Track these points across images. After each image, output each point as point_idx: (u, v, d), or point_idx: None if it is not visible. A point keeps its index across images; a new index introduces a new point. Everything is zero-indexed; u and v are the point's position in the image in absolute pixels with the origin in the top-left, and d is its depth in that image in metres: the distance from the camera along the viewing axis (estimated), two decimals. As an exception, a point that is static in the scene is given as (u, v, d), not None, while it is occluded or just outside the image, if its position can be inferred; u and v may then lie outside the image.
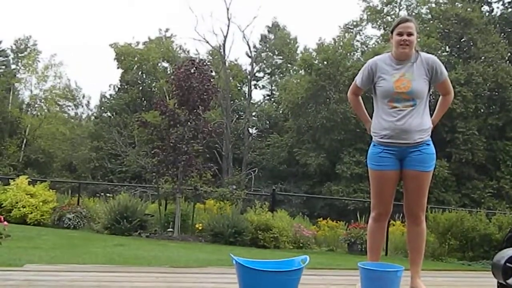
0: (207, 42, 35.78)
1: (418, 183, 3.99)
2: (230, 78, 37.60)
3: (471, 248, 12.21)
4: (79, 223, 13.82)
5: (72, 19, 56.18)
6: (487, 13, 35.45)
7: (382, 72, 4.04)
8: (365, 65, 4.16)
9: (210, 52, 37.65)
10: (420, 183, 3.99)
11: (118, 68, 39.67)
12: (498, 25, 34.44)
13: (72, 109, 43.12)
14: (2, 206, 13.74)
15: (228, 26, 34.75)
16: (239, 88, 40.72)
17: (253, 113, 39.84)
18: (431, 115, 4.11)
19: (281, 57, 41.55)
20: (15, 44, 42.12)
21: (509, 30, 34.94)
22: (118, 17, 59.13)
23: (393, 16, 36.77)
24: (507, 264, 2.01)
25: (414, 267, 4.07)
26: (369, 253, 4.20)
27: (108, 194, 15.66)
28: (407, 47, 3.97)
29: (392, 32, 4.08)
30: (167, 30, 41.82)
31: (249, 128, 38.42)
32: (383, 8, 37.12)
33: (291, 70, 40.86)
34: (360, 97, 4.30)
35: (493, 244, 11.66)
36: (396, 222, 14.49)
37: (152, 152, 15.13)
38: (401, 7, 36.92)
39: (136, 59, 39.29)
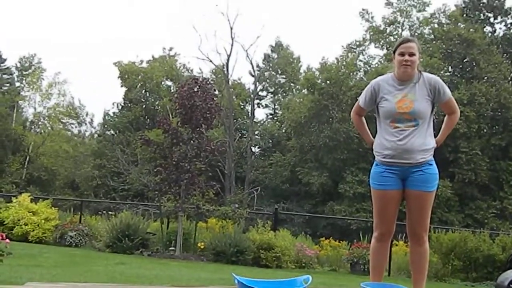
0: (211, 61, 35.98)
1: (420, 203, 3.98)
2: (233, 97, 37.74)
3: (475, 269, 12.13)
4: (81, 241, 13.79)
5: (76, 38, 56.64)
6: (489, 34, 35.63)
7: (384, 93, 4.05)
8: (368, 86, 4.18)
9: (214, 71, 37.87)
10: (423, 203, 3.99)
11: (121, 86, 39.90)
12: (500, 46, 34.58)
13: (76, 127, 43.33)
14: (4, 223, 13.72)
15: (232, 45, 34.97)
16: (242, 106, 40.84)
17: (256, 132, 39.90)
18: (436, 135, 4.12)
19: (284, 76, 41.71)
20: (19, 62, 42.45)
21: (511, 50, 35.07)
22: (122, 35, 59.57)
23: (396, 36, 36.97)
24: (511, 285, 2.00)
25: (416, 287, 4.06)
26: (371, 273, 4.18)
27: (110, 212, 15.65)
28: (409, 67, 3.98)
29: (394, 52, 4.10)
30: (171, 49, 42.09)
31: (251, 147, 38.46)
32: (386, 28, 37.34)
33: (294, 89, 41.04)
34: (363, 117, 4.31)
35: (497, 264, 11.59)
36: (399, 242, 14.43)
37: (155, 170, 15.13)
38: (404, 28, 37.14)
39: (139, 77, 39.50)
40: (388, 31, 37.37)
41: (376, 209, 4.08)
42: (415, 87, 4.00)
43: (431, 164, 3.99)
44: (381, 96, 4.06)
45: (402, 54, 4.00)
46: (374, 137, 4.20)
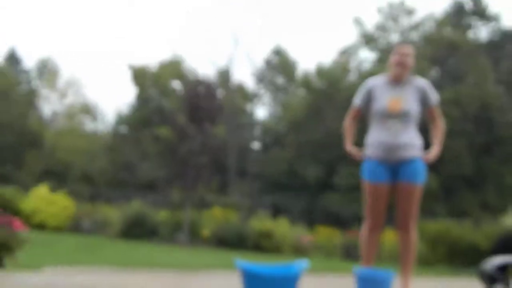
0: (215, 64, 35.93)
1: (409, 194, 3.98)
2: (235, 97, 37.67)
3: (459, 256, 12.15)
4: (95, 229, 13.81)
5: (93, 42, 56.53)
6: (473, 38, 35.53)
7: (377, 92, 4.06)
8: (363, 86, 4.19)
9: (218, 73, 37.77)
10: (412, 194, 3.98)
11: (133, 86, 39.85)
12: (484, 49, 34.50)
13: (90, 123, 43.21)
14: (23, 212, 13.73)
15: (234, 49, 34.93)
16: (244, 106, 40.77)
17: (256, 129, 39.85)
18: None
19: (282, 78, 41.65)
20: (38, 64, 42.37)
21: (494, 54, 34.99)
22: (135, 40, 59.48)
23: (386, 41, 36.94)
24: (493, 272, 1.99)
25: (404, 273, 4.05)
26: (364, 260, 4.17)
27: (122, 202, 15.66)
28: (403, 68, 4.00)
29: (391, 54, 4.12)
30: (179, 53, 42.03)
31: (252, 143, 38.42)
32: (377, 34, 37.25)
33: (292, 90, 40.93)
34: (356, 124, 4.29)
35: (479, 253, 11.57)
36: (388, 230, 14.42)
37: (164, 164, 15.13)
38: (394, 33, 37.02)
39: (150, 78, 39.46)
40: (379, 36, 37.28)
41: (369, 201, 4.07)
42: (406, 89, 4.02)
43: (420, 159, 3.99)
44: (374, 95, 4.07)
45: (398, 56, 4.03)
46: (362, 136, 4.20)
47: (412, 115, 3.96)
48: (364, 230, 4.15)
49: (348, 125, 4.28)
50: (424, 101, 4.03)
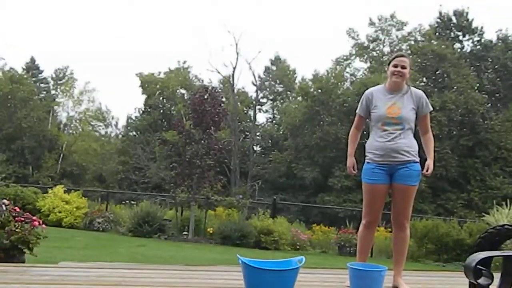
0: (219, 72, 35.91)
1: (404, 195, 3.98)
2: (238, 103, 37.67)
3: (445, 251, 12.11)
4: (107, 227, 13.79)
5: (104, 52, 56.58)
6: (459, 50, 35.57)
7: (376, 101, 4.07)
8: (363, 96, 4.20)
9: (221, 80, 37.81)
10: (407, 195, 3.98)
11: (142, 93, 39.86)
12: (468, 60, 34.52)
13: (103, 128, 43.22)
14: (41, 211, 13.73)
15: (237, 59, 34.97)
16: (245, 112, 40.77)
17: (257, 133, 39.88)
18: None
19: (281, 86, 41.67)
20: (54, 73, 42.44)
21: (478, 64, 35.02)
22: (143, 50, 59.54)
23: (378, 52, 36.94)
24: (478, 266, 1.98)
25: (397, 267, 4.06)
26: (358, 255, 4.17)
27: (132, 202, 15.66)
28: (400, 77, 4.00)
29: (389, 64, 4.11)
30: (184, 62, 42.00)
31: (253, 146, 38.42)
32: (369, 45, 37.29)
33: (290, 97, 40.96)
34: (359, 135, 4.26)
35: (464, 248, 11.57)
36: (380, 228, 14.40)
37: (171, 166, 15.13)
38: (384, 44, 37.08)
39: (158, 86, 39.46)
40: (371, 47, 37.31)
41: (366, 200, 4.07)
42: (403, 97, 4.03)
43: (415, 162, 4.01)
44: (374, 103, 4.08)
45: (395, 66, 4.03)
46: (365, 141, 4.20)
47: (409, 122, 3.97)
48: (361, 227, 4.16)
49: (352, 135, 4.24)
50: (420, 108, 4.04)
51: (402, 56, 4.12)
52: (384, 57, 36.65)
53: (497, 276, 2.18)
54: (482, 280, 2.03)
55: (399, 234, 4.08)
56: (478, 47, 35.53)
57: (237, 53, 34.70)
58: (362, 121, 4.20)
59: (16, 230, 4.97)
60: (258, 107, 40.71)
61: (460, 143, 31.51)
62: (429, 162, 4.05)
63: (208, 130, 13.71)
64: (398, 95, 4.03)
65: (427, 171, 4.01)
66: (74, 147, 37.62)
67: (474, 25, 35.34)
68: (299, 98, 35.64)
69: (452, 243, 12.00)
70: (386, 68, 4.17)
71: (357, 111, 4.22)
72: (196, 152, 13.53)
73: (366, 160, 4.09)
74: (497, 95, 35.69)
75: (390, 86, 4.06)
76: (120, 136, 42.35)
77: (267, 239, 12.50)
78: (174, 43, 57.98)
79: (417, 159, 4.02)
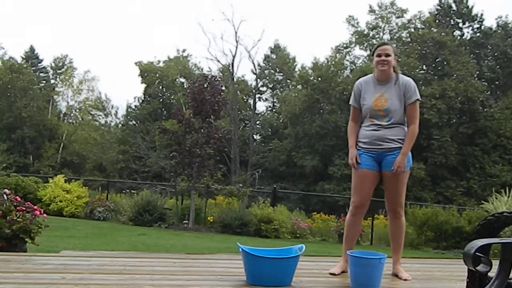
0: (218, 61, 35.88)
1: (395, 181, 3.98)
2: (238, 92, 37.62)
3: (445, 239, 12.16)
4: (107, 216, 13.83)
5: (103, 41, 56.39)
6: (458, 37, 35.44)
7: (365, 92, 4.07)
8: (354, 87, 4.20)
9: (221, 69, 37.73)
10: (397, 181, 3.98)
11: (142, 82, 39.77)
12: (468, 47, 34.42)
13: (102, 117, 43.20)
14: (42, 200, 13.77)
15: (236, 47, 34.88)
16: (245, 100, 40.73)
17: (257, 122, 39.85)
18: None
19: (281, 74, 41.58)
20: (54, 62, 42.35)
21: (477, 51, 34.92)
22: (143, 38, 59.34)
23: (378, 39, 36.75)
24: (476, 253, 2.00)
25: (395, 255, 4.09)
26: (344, 243, 4.17)
27: (132, 191, 15.67)
28: (386, 65, 3.98)
29: (373, 55, 4.09)
30: (184, 50, 41.93)
31: (253, 135, 38.42)
32: (369, 33, 37.11)
33: (290, 85, 40.89)
34: (357, 126, 4.18)
35: (463, 235, 11.62)
36: (380, 216, 14.45)
37: (171, 155, 15.14)
38: (384, 32, 36.91)
39: (157, 75, 39.39)
40: (371, 34, 37.14)
41: (353, 184, 4.09)
42: (392, 87, 4.00)
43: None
44: (362, 95, 4.08)
45: (379, 56, 4.01)
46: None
47: (396, 113, 3.94)
48: (348, 213, 4.16)
49: (350, 128, 4.19)
50: (405, 99, 3.97)
51: (384, 44, 4.09)
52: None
53: (495, 263, 2.19)
54: (480, 267, 2.04)
55: (395, 222, 4.10)
56: (478, 34, 35.40)
57: (237, 41, 34.64)
58: (357, 113, 4.15)
59: (18, 219, 4.99)
60: (258, 95, 40.67)
61: (460, 130, 31.51)
62: (398, 159, 3.89)
63: (208, 119, 13.69)
64: (387, 85, 4.01)
65: (393, 169, 3.89)
66: (74, 136, 37.63)
67: (474, 12, 35.22)
68: (299, 87, 35.57)
69: (451, 231, 12.05)
70: (372, 59, 4.14)
71: (350, 103, 4.21)
72: (196, 141, 13.52)
73: (356, 147, 4.10)
74: (496, 82, 35.63)
75: (378, 76, 4.05)
76: (120, 125, 42.34)
77: (267, 227, 12.55)
78: (173, 32, 57.77)
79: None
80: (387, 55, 3.98)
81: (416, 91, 4.00)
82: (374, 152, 3.97)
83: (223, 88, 15.81)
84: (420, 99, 4.04)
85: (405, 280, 3.91)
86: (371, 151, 3.98)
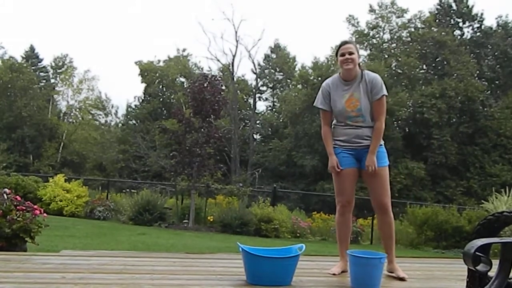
0: (218, 60, 35.92)
1: (376, 178, 3.94)
2: (238, 91, 37.61)
3: (445, 239, 12.15)
4: (107, 215, 13.83)
5: (103, 40, 56.39)
6: (458, 37, 35.43)
7: (334, 94, 4.03)
8: (321, 89, 4.12)
9: (221, 69, 37.71)
10: (379, 177, 3.94)
11: (142, 82, 39.77)
12: (468, 47, 34.41)
13: (103, 117, 43.20)
14: (42, 200, 13.78)
15: (236, 46, 34.89)
16: (245, 100, 40.73)
17: (257, 122, 39.83)
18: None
19: (281, 74, 41.56)
20: (54, 62, 42.33)
21: (478, 51, 34.91)
22: (142, 38, 59.33)
23: (378, 39, 36.75)
24: (476, 252, 2.00)
25: (389, 252, 4.01)
26: (339, 243, 4.16)
27: (132, 190, 15.67)
28: (351, 63, 3.94)
29: (336, 56, 4.06)
30: (184, 50, 41.92)
31: (253, 134, 38.41)
32: (369, 32, 37.11)
33: (290, 85, 40.88)
34: (330, 129, 4.13)
35: (463, 235, 11.61)
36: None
37: (171, 154, 15.14)
38: (384, 31, 36.91)
39: (157, 74, 39.39)
40: (371, 34, 37.14)
41: (336, 185, 4.07)
42: (359, 86, 3.96)
43: (380, 145, 3.97)
44: (332, 98, 4.03)
45: (342, 55, 3.97)
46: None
47: (368, 110, 3.92)
48: (336, 214, 4.14)
49: (324, 133, 4.12)
50: (371, 95, 3.93)
51: (346, 43, 4.04)
52: (384, 44, 36.51)
53: (495, 262, 2.19)
54: (480, 267, 2.04)
55: (383, 219, 4.05)
56: (478, 34, 35.40)
57: (237, 41, 34.63)
58: (328, 116, 4.08)
59: (18, 219, 4.98)
60: (258, 95, 40.67)
61: (460, 130, 31.50)
62: (368, 159, 3.87)
63: (208, 119, 13.69)
64: (354, 85, 3.97)
65: (367, 169, 3.86)
66: (74, 136, 37.62)
67: (474, 11, 35.21)
68: (299, 86, 35.56)
69: (451, 230, 12.05)
70: (335, 60, 4.12)
71: (318, 105, 4.11)
72: (196, 141, 13.52)
73: (333, 145, 4.07)
74: (496, 82, 35.63)
75: (344, 75, 4.00)
76: (120, 124, 42.33)
77: (267, 227, 12.54)
78: (173, 31, 57.77)
79: (382, 142, 3.98)
80: (351, 53, 3.94)
81: (383, 87, 3.95)
82: (352, 150, 3.97)
83: (223, 87, 15.81)
84: (387, 95, 3.98)
85: (401, 279, 3.88)
86: (350, 149, 3.97)
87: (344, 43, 4.05)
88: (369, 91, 3.93)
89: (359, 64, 4.01)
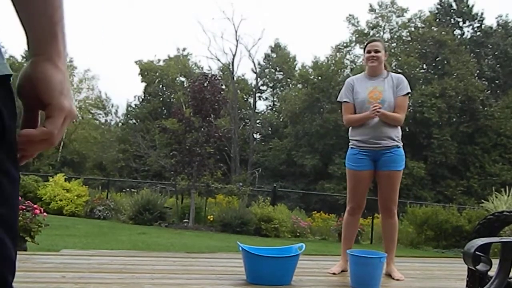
0: (218, 59, 35.91)
1: (390, 181, 3.98)
2: (238, 91, 37.60)
3: (445, 238, 12.15)
4: (108, 215, 13.83)
5: (103, 40, 56.38)
6: (459, 36, 35.42)
7: (358, 87, 4.08)
8: (345, 84, 4.18)
9: (221, 68, 37.71)
10: (392, 181, 3.98)
11: (142, 81, 39.77)
12: (468, 46, 34.40)
13: (103, 116, 43.19)
14: (42, 199, 13.78)
15: (236, 46, 34.87)
16: (245, 99, 40.71)
17: (257, 121, 39.82)
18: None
19: (281, 73, 41.54)
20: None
21: (478, 50, 34.90)
22: (142, 38, 59.30)
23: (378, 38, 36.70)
24: (476, 252, 2.00)
25: (389, 254, 4.03)
26: (343, 242, 4.18)
27: (132, 190, 15.67)
28: (376, 61, 4.01)
29: (364, 52, 4.12)
30: (184, 49, 41.89)
31: (253, 134, 38.40)
32: (369, 32, 37.10)
33: (290, 84, 40.86)
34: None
35: (464, 234, 11.61)
36: (380, 215, 14.43)
37: (171, 154, 15.14)
38: (384, 31, 36.90)
39: (157, 74, 39.38)
40: (371, 33, 37.13)
41: (350, 186, 4.08)
42: (384, 81, 4.02)
43: (399, 147, 4.01)
44: (355, 90, 4.07)
45: (369, 52, 4.05)
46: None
47: (391, 105, 3.96)
48: (345, 214, 4.17)
49: (350, 117, 4.08)
50: (397, 91, 4.00)
51: (374, 41, 4.13)
52: (384, 43, 36.50)
53: (495, 262, 2.19)
54: (480, 266, 2.04)
55: (388, 221, 4.08)
56: (478, 33, 35.38)
57: (237, 40, 34.65)
58: (351, 108, 4.08)
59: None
60: (258, 94, 40.64)
61: (460, 130, 31.50)
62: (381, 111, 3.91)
63: (208, 118, 13.69)
64: (379, 80, 4.03)
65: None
66: (74, 135, 37.61)
67: (474, 11, 35.19)
68: (299, 86, 35.56)
69: (451, 230, 12.05)
70: (363, 57, 4.17)
71: (343, 99, 4.11)
72: (196, 140, 13.52)
73: (350, 146, 4.09)
74: (497, 81, 35.62)
75: (369, 72, 4.08)
76: (120, 124, 42.31)
77: (267, 226, 12.54)
78: (173, 31, 57.75)
79: (400, 144, 4.01)
80: (377, 51, 4.01)
81: (408, 85, 4.05)
82: (370, 151, 3.97)
83: (223, 87, 15.82)
84: (411, 93, 4.07)
85: (398, 280, 3.89)
86: (367, 150, 3.98)
87: (371, 40, 4.14)
88: (395, 87, 3.99)
89: (384, 65, 4.05)
